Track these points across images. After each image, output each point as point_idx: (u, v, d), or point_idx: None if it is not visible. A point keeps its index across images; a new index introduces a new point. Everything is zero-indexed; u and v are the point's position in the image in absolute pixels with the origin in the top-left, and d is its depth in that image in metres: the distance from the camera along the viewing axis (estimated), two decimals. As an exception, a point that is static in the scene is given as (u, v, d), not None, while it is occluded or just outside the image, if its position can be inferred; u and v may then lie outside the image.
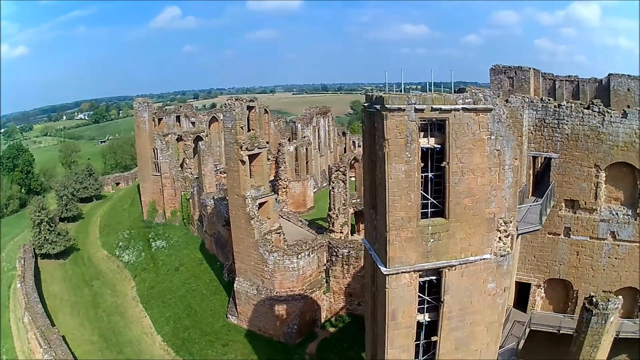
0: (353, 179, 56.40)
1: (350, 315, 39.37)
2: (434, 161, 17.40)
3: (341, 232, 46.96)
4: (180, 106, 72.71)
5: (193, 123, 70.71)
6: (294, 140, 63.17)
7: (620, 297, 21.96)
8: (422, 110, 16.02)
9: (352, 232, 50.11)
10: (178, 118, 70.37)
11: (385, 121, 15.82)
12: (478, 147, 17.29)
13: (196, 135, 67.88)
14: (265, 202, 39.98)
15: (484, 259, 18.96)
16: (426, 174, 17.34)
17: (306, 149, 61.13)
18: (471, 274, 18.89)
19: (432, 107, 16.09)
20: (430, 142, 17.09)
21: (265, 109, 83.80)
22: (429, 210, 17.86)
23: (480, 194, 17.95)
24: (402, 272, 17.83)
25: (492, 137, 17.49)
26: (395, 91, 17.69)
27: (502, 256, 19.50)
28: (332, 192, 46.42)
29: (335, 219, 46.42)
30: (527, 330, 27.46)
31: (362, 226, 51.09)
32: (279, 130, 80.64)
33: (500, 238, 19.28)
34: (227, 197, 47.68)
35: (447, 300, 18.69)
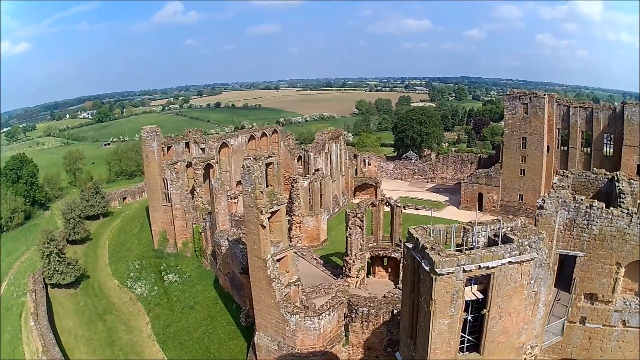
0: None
1: (368, 368, 40.32)
2: (474, 303, 18.10)
3: (357, 277, 47.87)
4: (190, 131, 72.45)
5: (203, 149, 70.70)
6: (308, 175, 63.37)
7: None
8: (469, 271, 16.63)
9: (368, 274, 50.76)
10: (187, 144, 70.33)
11: (434, 284, 16.41)
12: (518, 293, 18.05)
13: (206, 162, 68.10)
14: (284, 256, 40.58)
15: (510, 380, 19.89)
16: (465, 316, 18.07)
17: (320, 182, 61.42)
18: (497, 394, 19.82)
19: (479, 265, 16.68)
20: (473, 290, 17.77)
21: (275, 130, 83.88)
22: (465, 345, 18.73)
23: (513, 331, 18.80)
24: (438, 404, 18.69)
25: (532, 282, 18.16)
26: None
27: (526, 374, 20.46)
28: (348, 239, 47.01)
29: (352, 264, 47.19)
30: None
31: (377, 269, 51.92)
32: (289, 149, 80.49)
33: (525, 359, 20.24)
34: (242, 240, 48.33)
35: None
